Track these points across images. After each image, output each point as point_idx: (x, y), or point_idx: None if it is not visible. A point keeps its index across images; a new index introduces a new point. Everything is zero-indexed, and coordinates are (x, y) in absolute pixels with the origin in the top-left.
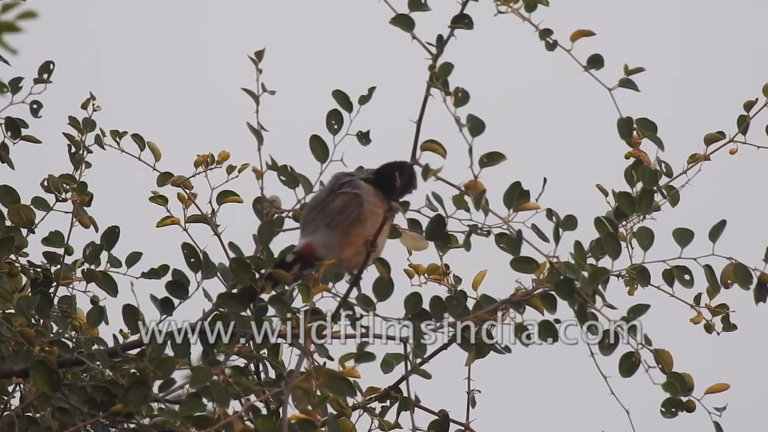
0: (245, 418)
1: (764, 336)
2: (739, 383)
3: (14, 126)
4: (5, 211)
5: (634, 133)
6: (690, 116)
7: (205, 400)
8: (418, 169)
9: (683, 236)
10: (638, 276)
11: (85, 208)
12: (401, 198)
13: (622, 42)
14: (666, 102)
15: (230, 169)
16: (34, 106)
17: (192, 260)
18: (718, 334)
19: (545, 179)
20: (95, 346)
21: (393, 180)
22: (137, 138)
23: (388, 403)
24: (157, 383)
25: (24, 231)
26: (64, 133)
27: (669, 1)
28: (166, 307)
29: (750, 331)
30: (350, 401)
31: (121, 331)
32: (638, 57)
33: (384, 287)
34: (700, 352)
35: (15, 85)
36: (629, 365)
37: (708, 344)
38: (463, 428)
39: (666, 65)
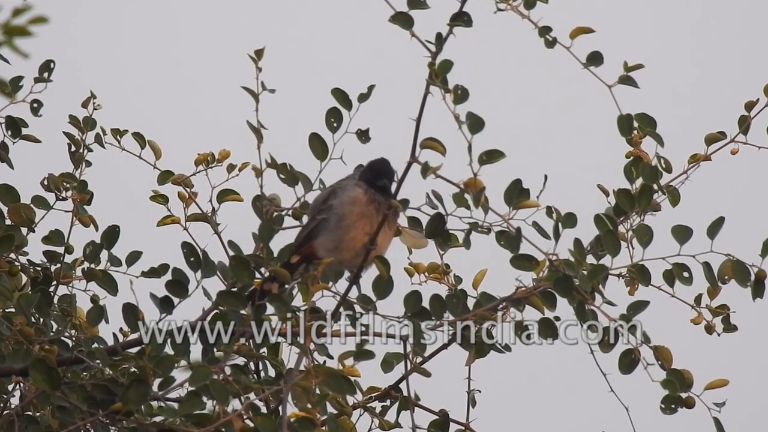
0: (245, 417)
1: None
2: (740, 385)
3: (14, 125)
4: (5, 209)
5: (635, 132)
6: (707, 116)
7: (204, 399)
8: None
9: (682, 233)
10: (638, 275)
11: (85, 206)
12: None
13: (633, 41)
14: (684, 102)
15: (230, 167)
16: (35, 105)
17: (192, 259)
18: (719, 335)
19: (546, 177)
20: (95, 345)
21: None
22: (138, 136)
23: (388, 402)
24: (157, 381)
25: (24, 230)
26: (64, 132)
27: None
28: (165, 305)
29: (752, 333)
30: (350, 400)
31: (121, 329)
32: (652, 57)
33: (384, 286)
34: (701, 353)
35: (15, 84)
36: (629, 362)
37: (708, 346)
38: (463, 428)
39: (684, 66)
